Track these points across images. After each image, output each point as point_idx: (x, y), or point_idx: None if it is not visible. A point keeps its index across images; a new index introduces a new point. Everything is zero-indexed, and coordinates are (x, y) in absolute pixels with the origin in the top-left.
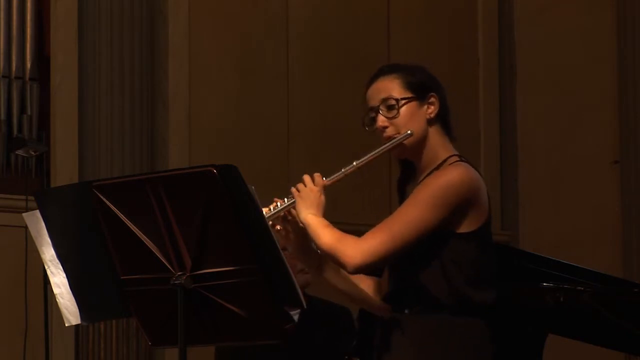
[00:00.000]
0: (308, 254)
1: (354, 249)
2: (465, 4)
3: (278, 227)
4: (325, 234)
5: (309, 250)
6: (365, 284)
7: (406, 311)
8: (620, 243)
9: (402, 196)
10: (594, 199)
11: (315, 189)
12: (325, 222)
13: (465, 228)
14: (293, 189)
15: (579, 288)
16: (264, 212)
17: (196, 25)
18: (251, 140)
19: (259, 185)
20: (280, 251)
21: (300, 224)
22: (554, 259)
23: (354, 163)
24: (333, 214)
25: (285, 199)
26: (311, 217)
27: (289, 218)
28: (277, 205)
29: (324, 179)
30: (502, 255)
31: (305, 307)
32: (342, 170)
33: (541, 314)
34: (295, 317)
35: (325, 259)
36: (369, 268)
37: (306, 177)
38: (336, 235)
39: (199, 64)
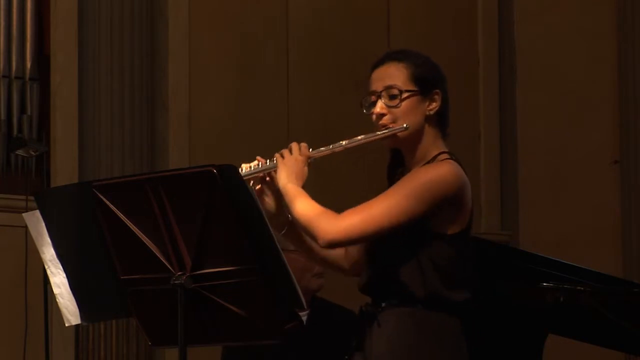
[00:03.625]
0: (277, 218)
1: (330, 225)
2: (465, 4)
3: (258, 186)
4: (302, 205)
5: (280, 214)
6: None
7: (383, 304)
8: (620, 243)
9: (391, 182)
10: (594, 199)
11: (300, 158)
12: (304, 193)
13: (446, 229)
14: (277, 155)
15: (579, 288)
16: (243, 168)
17: (196, 25)
18: (251, 140)
19: None
20: (281, 251)
21: (278, 189)
22: (554, 259)
23: (343, 142)
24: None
25: (268, 161)
26: (290, 186)
27: (267, 179)
28: (258, 165)
29: (310, 150)
30: (502, 255)
31: (305, 307)
32: (330, 146)
33: (541, 314)
34: (294, 317)
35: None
36: (341, 246)
37: (294, 145)
38: (313, 207)
39: (199, 64)
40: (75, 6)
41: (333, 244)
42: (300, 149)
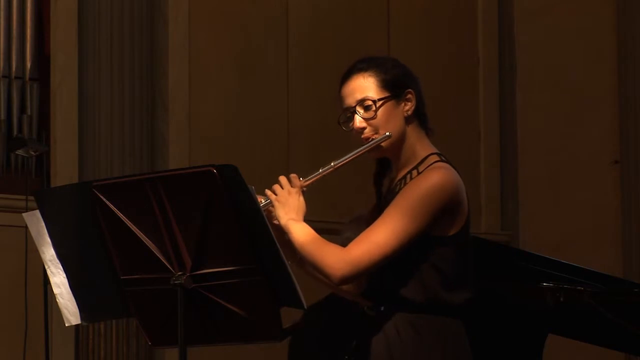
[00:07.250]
0: (285, 247)
1: (338, 261)
2: (465, 4)
3: None
4: (308, 245)
5: (286, 244)
6: None
7: (382, 308)
8: (620, 243)
9: (379, 190)
10: (594, 198)
11: (293, 190)
12: (307, 228)
13: (444, 231)
14: (268, 192)
15: (579, 288)
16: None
17: (196, 25)
18: (251, 140)
19: (259, 185)
20: (281, 251)
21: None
22: (554, 259)
23: (332, 164)
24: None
25: (263, 200)
26: (292, 224)
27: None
28: None
29: (301, 179)
30: (502, 255)
31: (305, 307)
32: (320, 170)
33: (541, 314)
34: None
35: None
36: (354, 279)
37: (282, 179)
38: (319, 245)
39: (199, 64)
40: (75, 6)
41: (344, 280)
42: (290, 180)
